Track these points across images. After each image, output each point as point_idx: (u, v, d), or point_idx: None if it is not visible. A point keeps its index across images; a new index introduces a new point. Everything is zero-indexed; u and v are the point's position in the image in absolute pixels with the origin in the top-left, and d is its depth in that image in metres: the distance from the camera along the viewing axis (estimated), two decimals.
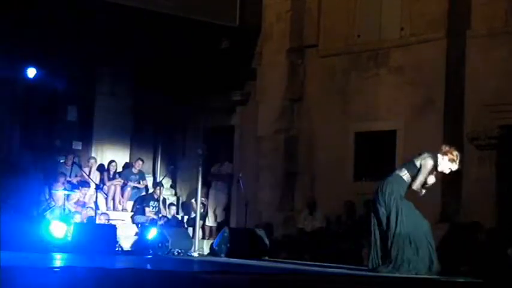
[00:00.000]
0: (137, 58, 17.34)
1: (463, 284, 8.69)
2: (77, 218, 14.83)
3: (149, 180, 18.05)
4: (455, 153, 10.02)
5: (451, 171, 10.15)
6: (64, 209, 14.55)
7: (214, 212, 17.47)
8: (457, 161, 10.02)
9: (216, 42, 17.08)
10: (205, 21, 16.31)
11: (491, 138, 14.02)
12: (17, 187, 14.62)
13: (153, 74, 17.43)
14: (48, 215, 14.52)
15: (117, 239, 13.98)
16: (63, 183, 15.69)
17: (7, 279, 5.61)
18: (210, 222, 17.39)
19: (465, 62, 14.45)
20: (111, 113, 17.82)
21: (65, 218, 14.20)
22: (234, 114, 18.01)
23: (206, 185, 17.06)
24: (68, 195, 15.35)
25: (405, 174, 9.97)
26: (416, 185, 9.86)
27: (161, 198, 16.43)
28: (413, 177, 9.93)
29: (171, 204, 17.52)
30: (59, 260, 10.07)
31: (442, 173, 10.24)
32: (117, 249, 13.74)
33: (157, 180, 17.39)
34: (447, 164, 10.00)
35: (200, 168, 14.40)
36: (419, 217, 9.91)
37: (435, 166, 9.96)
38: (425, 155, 9.97)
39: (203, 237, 16.74)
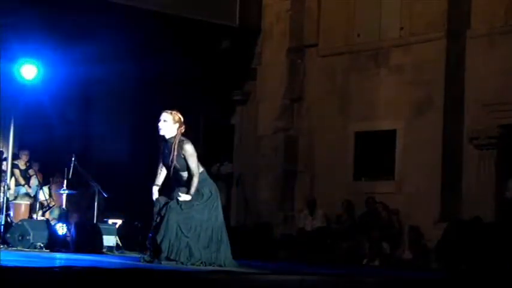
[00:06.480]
0: (137, 58, 17.33)
1: (463, 283, 8.69)
2: (76, 218, 14.80)
3: None
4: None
5: None
6: (64, 209, 14.52)
7: None
8: None
9: (216, 42, 17.07)
10: (205, 21, 16.31)
11: (491, 137, 14.04)
12: None
13: (152, 74, 17.41)
14: (48, 215, 14.51)
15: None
16: (62, 184, 15.66)
17: (7, 279, 5.61)
18: None
19: (465, 62, 14.48)
20: (111, 112, 17.81)
21: (65, 218, 14.18)
22: (234, 114, 18.00)
23: None
24: (68, 195, 15.32)
25: None
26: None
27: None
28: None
29: None
30: (59, 260, 10.06)
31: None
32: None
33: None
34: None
35: None
36: None
37: None
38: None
39: None
